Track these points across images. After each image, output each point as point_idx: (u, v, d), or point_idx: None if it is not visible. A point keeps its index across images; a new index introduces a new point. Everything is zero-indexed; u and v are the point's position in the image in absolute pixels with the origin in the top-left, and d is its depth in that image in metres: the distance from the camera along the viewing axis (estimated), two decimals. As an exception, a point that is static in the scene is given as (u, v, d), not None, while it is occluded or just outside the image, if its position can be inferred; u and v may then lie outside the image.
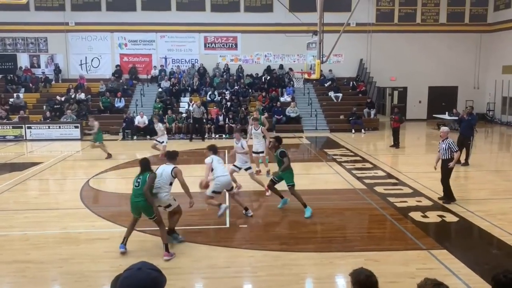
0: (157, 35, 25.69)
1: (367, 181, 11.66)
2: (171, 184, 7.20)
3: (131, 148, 17.91)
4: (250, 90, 24.41)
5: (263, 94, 23.76)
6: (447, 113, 22.89)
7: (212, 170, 8.48)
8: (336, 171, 13.04)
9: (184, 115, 21.56)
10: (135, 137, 20.29)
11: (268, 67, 26.05)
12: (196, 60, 26.07)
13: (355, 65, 26.55)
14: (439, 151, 9.68)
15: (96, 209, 9.35)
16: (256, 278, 6.32)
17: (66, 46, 25.43)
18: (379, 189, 10.82)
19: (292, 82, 24.01)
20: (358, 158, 15.17)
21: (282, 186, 9.29)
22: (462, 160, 13.33)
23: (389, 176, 12.51)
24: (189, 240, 7.46)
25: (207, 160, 8.55)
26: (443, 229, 8.33)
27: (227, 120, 21.26)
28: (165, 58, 25.93)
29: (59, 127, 20.12)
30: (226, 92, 23.87)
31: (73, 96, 23.10)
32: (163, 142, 15.17)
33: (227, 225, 8.41)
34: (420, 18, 26.41)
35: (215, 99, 23.59)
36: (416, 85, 26.68)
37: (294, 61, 26.01)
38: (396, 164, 14.93)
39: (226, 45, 26.20)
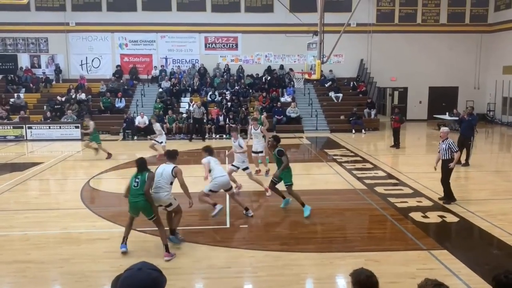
0: (158, 35, 25.70)
1: (367, 181, 11.66)
2: (171, 183, 7.20)
3: (132, 149, 17.91)
4: (250, 91, 24.41)
5: (264, 94, 23.76)
6: (447, 113, 22.88)
7: (210, 171, 8.51)
8: (336, 172, 13.04)
9: (184, 115, 21.57)
10: (135, 137, 20.30)
11: (269, 67, 26.05)
12: (197, 60, 26.07)
13: (356, 65, 26.55)
14: (439, 152, 9.68)
15: (97, 209, 9.36)
16: (257, 278, 6.32)
17: (67, 46, 25.44)
18: (379, 189, 10.82)
19: (292, 83, 24.01)
20: (358, 158, 15.17)
21: (283, 186, 9.29)
22: (463, 160, 13.33)
23: (390, 176, 12.50)
24: (190, 240, 7.46)
25: (204, 160, 8.59)
26: (444, 230, 8.33)
27: (227, 120, 21.26)
28: (166, 58, 25.94)
29: (60, 127, 20.13)
30: (227, 93, 23.88)
31: (73, 96, 23.11)
32: (161, 142, 15.15)
33: (228, 226, 8.42)
34: (421, 19, 26.41)
35: (215, 99, 23.59)
36: (417, 86, 26.68)
37: (295, 62, 26.01)
38: (396, 164, 14.93)
39: (227, 45, 26.21)
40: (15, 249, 7.26)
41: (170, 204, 7.26)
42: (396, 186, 11.31)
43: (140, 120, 20.33)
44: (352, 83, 25.66)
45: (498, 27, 25.66)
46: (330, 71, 25.68)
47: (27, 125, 20.25)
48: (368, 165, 13.93)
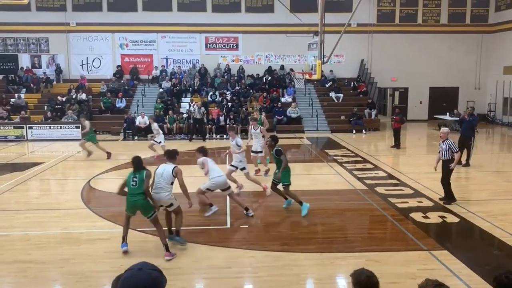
0: (158, 36, 25.71)
1: (368, 181, 11.65)
2: (172, 183, 7.18)
3: (132, 149, 17.88)
4: (251, 91, 24.41)
5: (264, 94, 23.75)
6: (448, 113, 22.88)
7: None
8: (337, 172, 13.04)
9: (185, 115, 21.58)
10: (136, 138, 20.30)
11: (269, 67, 26.05)
12: (197, 61, 26.08)
13: (356, 65, 26.54)
14: (439, 152, 9.68)
15: (97, 209, 9.36)
16: (257, 278, 6.32)
17: (67, 46, 25.46)
18: (380, 189, 10.82)
19: (293, 83, 24.00)
20: (359, 158, 15.16)
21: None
22: (463, 161, 13.33)
23: (390, 176, 12.50)
24: (190, 240, 7.46)
25: (199, 160, 8.59)
26: (444, 230, 8.32)
27: (228, 120, 21.26)
28: (166, 59, 25.95)
29: (60, 128, 20.14)
30: (227, 93, 23.88)
31: (74, 96, 23.13)
32: (160, 142, 15.14)
33: (228, 226, 8.42)
34: (421, 19, 26.40)
35: (216, 99, 23.59)
36: (417, 86, 26.67)
37: (295, 62, 26.01)
38: (397, 164, 14.93)
39: (227, 46, 26.21)
40: (15, 249, 7.27)
41: (171, 205, 7.24)
42: (397, 187, 11.31)
43: (141, 120, 20.33)
44: (352, 83, 25.65)
45: (499, 27, 25.65)
46: (331, 71, 25.68)
47: (27, 125, 20.26)
48: (369, 166, 13.93)
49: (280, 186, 9.19)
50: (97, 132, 21.40)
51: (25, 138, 19.93)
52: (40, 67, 25.65)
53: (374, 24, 26.04)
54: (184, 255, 6.95)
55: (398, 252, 7.04)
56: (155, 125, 15.53)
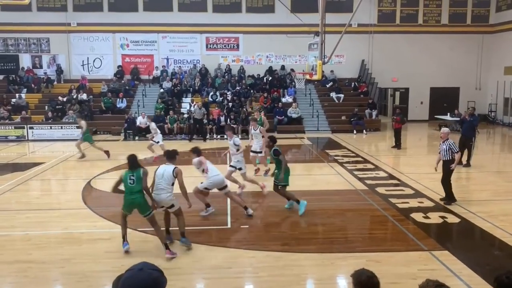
0: (159, 36, 25.72)
1: (368, 182, 11.65)
2: (173, 184, 7.16)
3: (133, 149, 17.82)
4: (251, 91, 24.41)
5: (265, 95, 23.75)
6: (448, 114, 22.87)
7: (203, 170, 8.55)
8: (337, 172, 13.03)
9: (185, 115, 21.59)
10: (136, 138, 20.30)
11: (270, 67, 26.05)
12: (198, 61, 26.09)
13: (357, 66, 26.54)
14: (439, 152, 9.67)
15: (98, 209, 9.36)
16: (257, 278, 6.32)
17: (68, 46, 25.47)
18: (380, 190, 10.81)
19: (293, 83, 23.99)
20: (359, 159, 15.16)
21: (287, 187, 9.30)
22: (464, 161, 13.33)
23: (391, 177, 12.49)
24: (190, 240, 7.45)
25: (194, 160, 8.56)
26: (445, 230, 8.31)
27: (228, 120, 21.27)
28: (167, 59, 25.96)
29: (61, 128, 20.15)
30: (228, 93, 23.88)
31: (75, 96, 23.14)
32: (158, 142, 15.11)
33: (228, 226, 8.42)
34: (422, 19, 26.39)
35: (216, 99, 23.60)
36: (418, 86, 26.65)
37: (296, 62, 26.01)
38: (397, 165, 14.92)
39: (228, 46, 26.22)
40: (16, 249, 7.27)
41: (172, 206, 7.21)
42: (397, 187, 11.31)
43: (142, 121, 20.31)
44: (353, 83, 25.66)
45: (500, 27, 25.64)
46: (331, 71, 25.68)
47: (28, 125, 20.28)
48: (369, 166, 13.92)
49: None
50: (98, 132, 21.61)
51: (26, 138, 19.95)
52: (41, 67, 25.67)
53: (375, 24, 26.04)
54: (184, 255, 6.96)
55: (398, 253, 7.04)
56: (153, 125, 15.53)
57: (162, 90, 23.83)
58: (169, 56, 25.93)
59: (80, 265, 6.61)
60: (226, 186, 8.83)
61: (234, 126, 20.84)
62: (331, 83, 25.47)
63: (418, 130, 23.60)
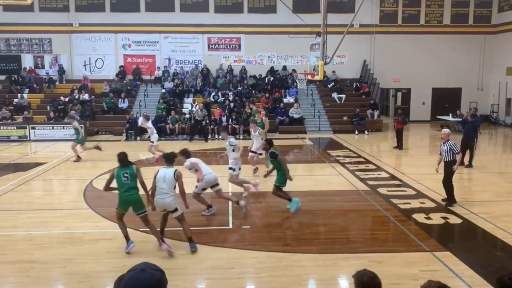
0: (161, 36, 25.73)
1: (370, 182, 11.64)
2: (174, 187, 7.10)
3: (135, 149, 17.91)
4: (253, 91, 24.41)
5: (266, 95, 23.76)
6: (450, 114, 22.84)
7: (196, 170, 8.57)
8: (339, 173, 13.03)
9: (187, 116, 21.61)
10: (138, 138, 20.32)
11: (272, 68, 26.04)
12: (200, 61, 26.10)
13: (359, 66, 26.52)
14: (440, 154, 9.66)
15: (100, 209, 9.36)
16: (259, 279, 6.32)
17: (70, 47, 25.51)
18: (382, 190, 10.80)
19: (295, 83, 23.99)
20: (361, 159, 15.15)
21: (288, 188, 9.30)
22: (466, 162, 13.31)
23: (393, 177, 12.49)
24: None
25: (186, 164, 8.43)
26: (447, 231, 8.31)
27: (230, 121, 21.28)
28: (169, 59, 25.97)
29: (63, 128, 20.16)
30: (230, 93, 23.88)
31: (76, 96, 23.16)
32: (152, 142, 15.09)
33: (230, 226, 8.43)
34: (424, 20, 26.35)
35: (218, 100, 23.60)
36: (420, 87, 26.61)
37: (298, 62, 25.98)
38: (399, 165, 14.91)
39: (230, 46, 26.23)
40: (18, 249, 7.29)
41: (176, 210, 7.12)
42: (399, 187, 11.30)
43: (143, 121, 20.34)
44: (355, 84, 25.64)
45: (502, 28, 25.59)
46: (333, 72, 25.65)
47: (30, 125, 20.33)
48: (371, 166, 13.91)
49: (284, 188, 9.22)
50: (100, 133, 21.67)
51: (28, 138, 19.98)
52: (43, 67, 25.70)
53: (377, 24, 26.00)
54: (186, 256, 6.96)
55: (400, 253, 7.03)
56: (149, 124, 15.50)
57: (163, 91, 23.85)
58: (171, 57, 25.94)
59: (82, 265, 6.63)
60: (218, 184, 8.84)
61: (236, 126, 20.90)
62: (332, 84, 25.45)
63: (420, 130, 23.56)
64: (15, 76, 25.00)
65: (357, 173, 12.83)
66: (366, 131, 21.89)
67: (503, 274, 2.95)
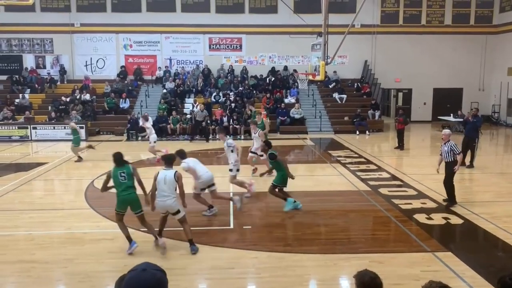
0: (162, 36, 25.75)
1: (371, 182, 11.64)
2: (175, 189, 7.08)
3: (136, 149, 17.96)
4: (254, 92, 24.42)
5: (268, 95, 23.76)
6: (452, 115, 22.81)
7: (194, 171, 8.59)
8: (340, 173, 13.02)
9: (188, 116, 21.62)
10: (139, 138, 20.32)
11: (273, 68, 26.04)
12: (201, 61, 26.11)
13: (360, 66, 26.51)
14: (440, 154, 9.66)
15: (101, 209, 9.36)
16: (260, 279, 6.32)
17: (72, 47, 25.55)
18: (383, 191, 10.80)
19: (296, 84, 23.99)
20: (362, 159, 15.14)
21: (289, 188, 9.30)
22: (467, 162, 13.30)
23: (394, 178, 12.48)
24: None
25: (183, 165, 8.42)
26: (448, 231, 8.30)
27: (231, 121, 21.29)
28: (170, 59, 25.99)
29: (64, 128, 20.11)
30: (231, 93, 23.89)
31: (78, 97, 23.19)
32: (150, 143, 15.13)
33: (231, 226, 8.43)
34: (425, 20, 26.33)
35: (219, 100, 23.61)
36: (421, 87, 26.59)
37: (299, 63, 25.99)
38: (400, 166, 14.89)
39: (231, 46, 26.24)
40: (19, 249, 7.30)
41: (178, 212, 7.11)
42: (400, 188, 11.29)
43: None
44: (356, 84, 25.63)
45: (503, 28, 25.56)
46: (334, 72, 25.64)
47: (32, 126, 20.36)
48: (372, 167, 13.91)
49: (286, 189, 9.24)
50: (101, 133, 21.69)
51: (29, 138, 20.01)
52: (44, 67, 25.75)
53: (378, 25, 26.00)
54: (186, 256, 6.96)
55: (401, 254, 7.02)
56: (147, 124, 15.48)
57: (165, 91, 23.88)
58: (172, 57, 25.97)
59: (83, 265, 6.63)
60: (214, 184, 8.86)
61: (237, 126, 20.90)
62: (334, 84, 25.45)
63: (421, 131, 23.54)
64: (17, 76, 25.04)
65: (358, 173, 12.83)
66: (367, 132, 21.88)
67: (504, 274, 2.94)
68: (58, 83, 25.19)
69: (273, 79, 25.32)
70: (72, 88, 24.04)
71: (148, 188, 7.18)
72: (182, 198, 7.18)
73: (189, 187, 7.49)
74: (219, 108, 22.54)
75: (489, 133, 22.44)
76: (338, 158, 15.24)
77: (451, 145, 9.38)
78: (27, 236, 7.91)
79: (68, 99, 22.89)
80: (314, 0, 20.17)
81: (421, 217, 8.72)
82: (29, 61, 25.63)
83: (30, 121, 20.91)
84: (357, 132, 21.73)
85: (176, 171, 7.15)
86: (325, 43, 15.53)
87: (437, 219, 8.65)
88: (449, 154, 9.37)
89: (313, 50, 17.07)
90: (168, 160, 7.36)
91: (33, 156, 17.16)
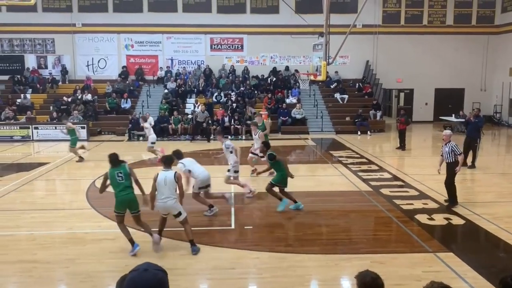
0: (164, 37, 25.77)
1: (373, 183, 11.63)
2: (176, 190, 7.06)
3: (137, 149, 17.96)
4: (255, 92, 24.42)
5: (269, 95, 23.76)
6: (453, 115, 22.77)
7: (189, 171, 8.57)
8: (341, 173, 13.01)
9: (189, 116, 21.63)
10: (141, 138, 20.34)
11: (274, 68, 26.05)
12: (202, 62, 26.12)
13: (361, 66, 26.49)
14: (441, 155, 9.64)
15: (102, 209, 9.36)
16: (261, 279, 6.32)
17: (73, 47, 25.58)
18: (385, 191, 10.79)
19: (298, 84, 23.98)
20: (364, 160, 15.13)
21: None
22: (469, 162, 13.28)
23: (395, 178, 12.47)
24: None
25: (180, 166, 8.44)
26: (449, 232, 8.29)
27: (232, 121, 21.29)
28: (171, 59, 26.01)
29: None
30: (232, 94, 23.90)
31: (79, 97, 23.23)
32: (148, 143, 15.09)
33: (232, 227, 8.43)
34: (427, 20, 26.31)
35: (221, 100, 23.62)
36: (423, 87, 26.57)
37: (300, 63, 25.99)
38: (402, 166, 14.88)
39: (232, 47, 26.24)
40: (21, 249, 7.31)
41: (179, 214, 7.08)
42: (402, 188, 11.28)
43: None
44: (357, 84, 25.61)
45: (505, 28, 25.52)
46: (336, 72, 25.64)
47: (33, 126, 20.39)
48: (374, 167, 13.89)
49: (274, 188, 9.24)
50: (103, 133, 21.71)
51: (31, 138, 20.04)
52: (46, 67, 25.79)
53: (380, 25, 25.98)
54: (187, 256, 6.96)
55: (403, 254, 7.02)
56: (146, 125, 15.48)
57: (166, 91, 23.89)
58: (173, 57, 25.98)
59: (85, 265, 6.64)
60: (209, 185, 8.88)
61: (238, 127, 20.90)
62: (335, 84, 25.44)
63: (422, 131, 23.52)
64: (18, 76, 25.08)
65: (360, 173, 12.82)
66: (368, 132, 21.86)
67: (506, 275, 2.94)
68: (60, 83, 25.23)
69: (274, 79, 25.32)
70: (73, 88, 24.09)
71: (148, 189, 7.18)
72: (181, 198, 7.19)
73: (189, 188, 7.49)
74: (220, 108, 22.56)
75: (490, 134, 22.41)
76: (340, 159, 15.22)
77: (452, 146, 9.37)
78: (28, 236, 7.92)
79: (69, 99, 22.92)
80: (315, 0, 20.16)
81: (422, 218, 8.70)
82: (30, 61, 25.67)
83: (32, 121, 20.94)
84: (359, 133, 21.72)
85: (176, 172, 7.18)
86: (326, 43, 15.52)
87: (439, 219, 8.64)
88: (450, 155, 9.36)
89: (315, 50, 17.06)
90: (167, 161, 7.35)
91: (34, 156, 17.18)
